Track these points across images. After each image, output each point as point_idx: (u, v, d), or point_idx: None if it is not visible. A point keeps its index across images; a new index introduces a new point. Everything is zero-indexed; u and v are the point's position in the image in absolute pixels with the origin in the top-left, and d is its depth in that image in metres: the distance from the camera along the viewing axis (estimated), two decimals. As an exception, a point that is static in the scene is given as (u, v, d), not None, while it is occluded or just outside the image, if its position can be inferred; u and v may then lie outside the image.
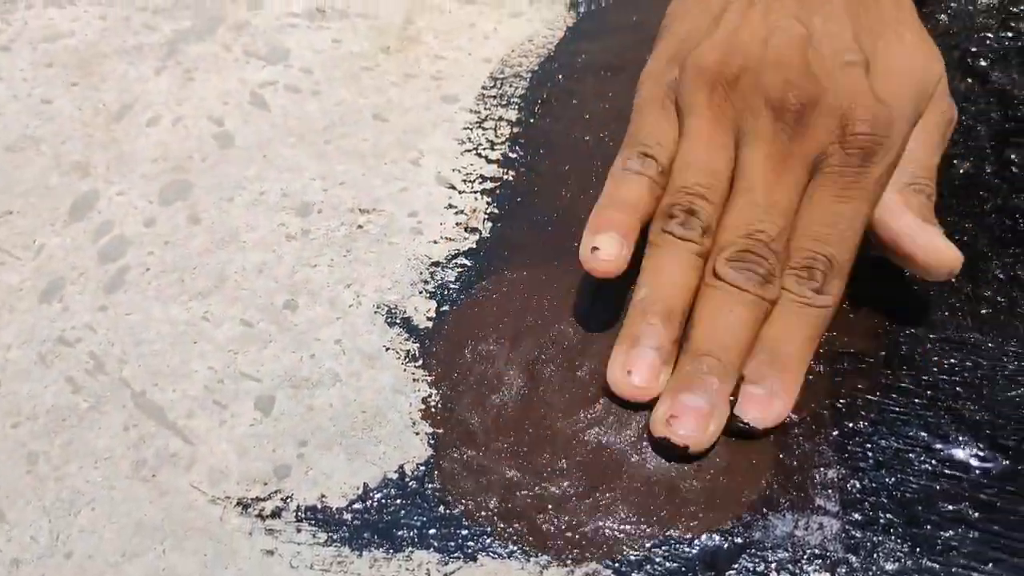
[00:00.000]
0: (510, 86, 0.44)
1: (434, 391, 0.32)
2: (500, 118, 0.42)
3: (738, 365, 0.31)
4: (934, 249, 0.32)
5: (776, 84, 0.32)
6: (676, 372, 0.31)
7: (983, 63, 0.45)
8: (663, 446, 0.30)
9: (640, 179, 0.33)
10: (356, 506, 0.30)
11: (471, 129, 0.42)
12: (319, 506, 0.30)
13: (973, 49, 0.46)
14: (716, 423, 0.30)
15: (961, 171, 0.40)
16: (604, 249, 0.32)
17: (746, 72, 0.33)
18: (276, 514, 0.30)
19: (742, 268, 0.31)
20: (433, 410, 0.32)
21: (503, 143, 0.41)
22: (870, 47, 0.35)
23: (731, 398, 0.31)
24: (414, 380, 0.33)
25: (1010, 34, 0.47)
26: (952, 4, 0.49)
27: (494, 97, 0.43)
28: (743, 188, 0.33)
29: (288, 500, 0.30)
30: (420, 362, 0.33)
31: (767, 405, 0.31)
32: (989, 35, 0.47)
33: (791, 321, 0.32)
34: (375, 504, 0.30)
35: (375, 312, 0.35)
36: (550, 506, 0.29)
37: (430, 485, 0.30)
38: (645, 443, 0.31)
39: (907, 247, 0.32)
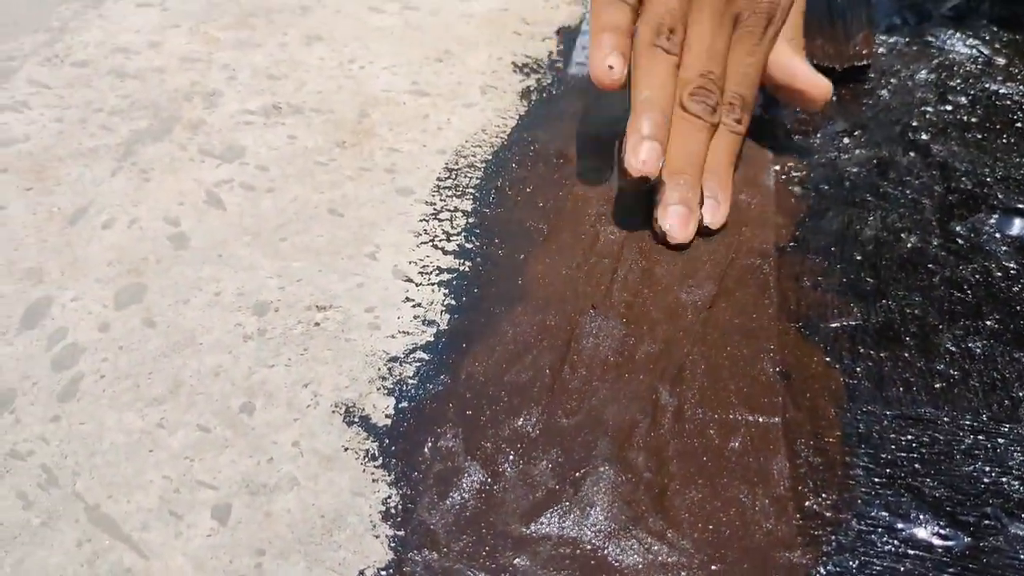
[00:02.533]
0: (464, 176, 0.44)
1: (394, 491, 0.32)
2: (455, 208, 0.43)
3: (700, 177, 0.42)
4: (816, 81, 0.45)
5: None
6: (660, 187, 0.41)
7: (924, 136, 0.47)
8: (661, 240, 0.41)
9: (621, 5, 0.42)
10: (316, 617, 0.29)
11: (427, 221, 0.42)
12: (278, 619, 0.29)
13: (914, 123, 0.48)
14: (694, 222, 0.41)
15: (908, 245, 0.41)
16: (616, 68, 0.41)
17: None
18: (234, 629, 0.29)
19: (699, 100, 0.41)
20: (393, 511, 0.31)
21: (459, 234, 0.41)
22: None
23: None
24: (373, 480, 0.32)
25: (949, 107, 0.49)
26: (892, 80, 0.51)
27: (449, 188, 0.44)
28: (697, 36, 0.42)
29: (246, 614, 0.29)
30: (379, 461, 0.33)
31: (718, 211, 0.42)
32: (928, 109, 0.49)
33: (723, 144, 0.43)
34: (335, 614, 0.29)
35: (333, 411, 0.34)
36: (514, 607, 0.29)
37: (391, 591, 0.29)
38: (610, 535, 0.30)
39: (800, 83, 0.45)
